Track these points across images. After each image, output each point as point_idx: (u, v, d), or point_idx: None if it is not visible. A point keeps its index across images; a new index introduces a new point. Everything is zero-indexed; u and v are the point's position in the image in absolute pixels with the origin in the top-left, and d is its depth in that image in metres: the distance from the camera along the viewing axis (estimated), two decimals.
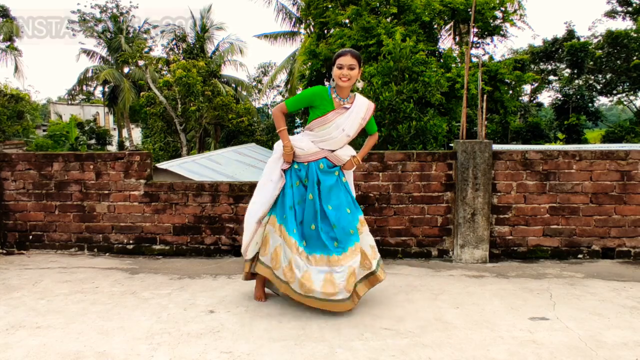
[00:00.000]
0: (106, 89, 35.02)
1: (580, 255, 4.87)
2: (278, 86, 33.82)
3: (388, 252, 4.92)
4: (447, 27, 18.80)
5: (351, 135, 3.51)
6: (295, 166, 3.51)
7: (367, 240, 3.55)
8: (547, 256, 4.87)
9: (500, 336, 3.04)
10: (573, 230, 4.86)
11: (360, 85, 3.54)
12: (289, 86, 27.21)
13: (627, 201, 4.83)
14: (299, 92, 26.56)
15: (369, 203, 4.91)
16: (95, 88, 39.15)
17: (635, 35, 25.19)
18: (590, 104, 28.22)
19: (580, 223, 4.86)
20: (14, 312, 3.48)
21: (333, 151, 3.52)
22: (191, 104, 21.33)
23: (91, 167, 5.15)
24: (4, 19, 26.32)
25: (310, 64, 18.63)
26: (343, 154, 3.56)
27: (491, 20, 18.24)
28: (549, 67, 30.03)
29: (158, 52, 28.41)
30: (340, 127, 3.43)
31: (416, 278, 4.27)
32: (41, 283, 4.16)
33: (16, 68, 27.95)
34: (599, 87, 29.31)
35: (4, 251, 5.22)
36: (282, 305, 3.56)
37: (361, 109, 3.51)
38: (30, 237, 5.26)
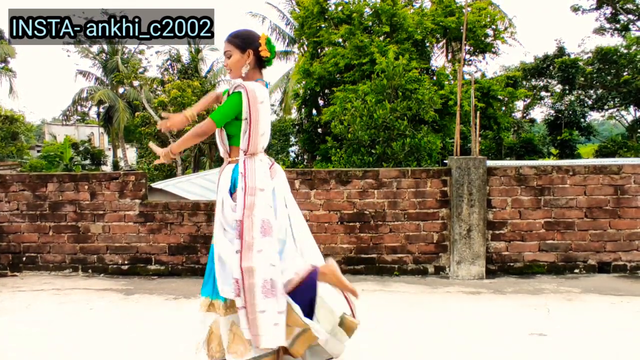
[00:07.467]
0: (101, 110, 35.05)
1: (576, 270, 4.87)
2: (272, 105, 33.98)
3: (384, 270, 4.91)
4: (440, 45, 19.04)
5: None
6: None
7: None
8: (543, 271, 4.87)
9: (498, 353, 3.02)
10: (569, 245, 4.87)
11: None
12: (283, 105, 27.37)
13: (621, 215, 4.85)
14: (293, 110, 26.50)
15: (364, 220, 4.91)
16: (90, 108, 39.18)
17: (625, 51, 25.59)
18: (582, 119, 28.47)
19: (576, 238, 4.87)
20: (6, 336, 3.43)
21: None
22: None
23: (86, 187, 5.13)
24: None
25: (304, 82, 18.77)
26: None
27: (483, 38, 18.50)
28: (541, 83, 30.34)
29: (153, 72, 28.54)
30: None
31: (413, 295, 4.25)
32: (34, 305, 4.11)
33: (11, 89, 27.99)
34: (590, 103, 29.62)
35: None
36: None
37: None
38: (24, 258, 5.21)
